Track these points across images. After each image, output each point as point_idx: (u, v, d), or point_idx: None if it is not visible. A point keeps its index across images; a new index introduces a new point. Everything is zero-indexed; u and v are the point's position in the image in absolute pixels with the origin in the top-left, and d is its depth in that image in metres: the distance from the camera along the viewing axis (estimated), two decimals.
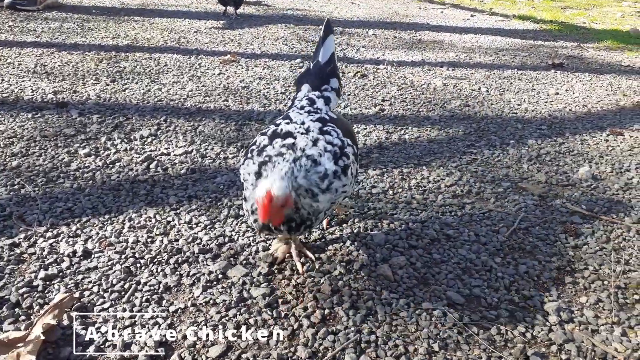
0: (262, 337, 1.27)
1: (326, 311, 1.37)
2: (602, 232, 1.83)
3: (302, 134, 1.37)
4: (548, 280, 1.56)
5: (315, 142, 1.35)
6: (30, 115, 2.58)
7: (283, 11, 6.51)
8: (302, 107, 1.56)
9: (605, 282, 1.56)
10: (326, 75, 1.71)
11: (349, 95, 3.32)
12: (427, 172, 2.23)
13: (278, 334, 1.27)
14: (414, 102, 3.22)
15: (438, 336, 1.31)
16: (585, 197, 2.09)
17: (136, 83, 3.25)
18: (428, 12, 7.43)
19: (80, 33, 4.58)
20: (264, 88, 3.36)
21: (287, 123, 1.44)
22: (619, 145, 2.68)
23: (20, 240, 1.59)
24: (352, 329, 1.31)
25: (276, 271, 1.52)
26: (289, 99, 3.17)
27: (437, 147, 2.52)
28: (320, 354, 1.23)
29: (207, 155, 2.28)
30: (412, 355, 1.24)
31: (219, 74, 3.60)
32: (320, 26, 5.37)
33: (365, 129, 2.73)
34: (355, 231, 1.75)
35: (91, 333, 1.24)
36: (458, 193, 2.06)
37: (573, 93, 3.64)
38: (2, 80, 3.13)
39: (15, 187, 1.90)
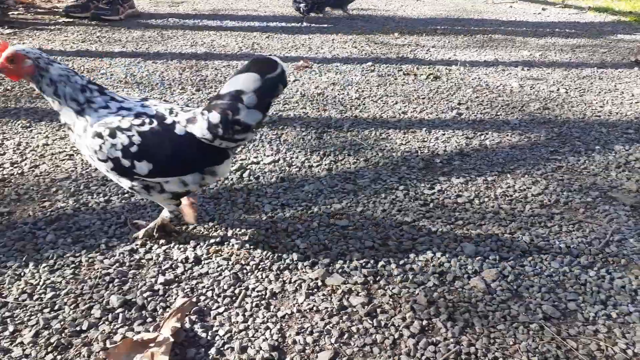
0: (366, 344, 1.35)
1: (424, 322, 1.43)
2: None
3: None
4: None
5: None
6: None
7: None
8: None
9: None
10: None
11: (423, 99, 3.34)
12: (512, 181, 2.24)
13: (382, 342, 1.35)
14: (491, 105, 3.20)
15: (537, 350, 1.34)
16: None
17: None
18: (496, 7, 7.25)
19: (161, 42, 4.85)
20: (338, 94, 3.45)
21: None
22: None
23: (137, 246, 1.75)
24: (452, 340, 1.37)
25: (371, 281, 1.60)
26: (364, 104, 3.24)
27: (519, 154, 2.51)
28: None
29: (293, 163, 2.39)
30: None
31: (294, 81, 3.72)
32: (388, 26, 5.39)
33: (444, 134, 2.75)
34: (444, 243, 1.80)
35: (211, 336, 1.37)
36: (546, 203, 2.06)
37: None
38: None
39: (126, 195, 2.08)
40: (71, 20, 5.63)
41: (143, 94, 3.32)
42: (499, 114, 3.06)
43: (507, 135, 2.74)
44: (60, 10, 5.99)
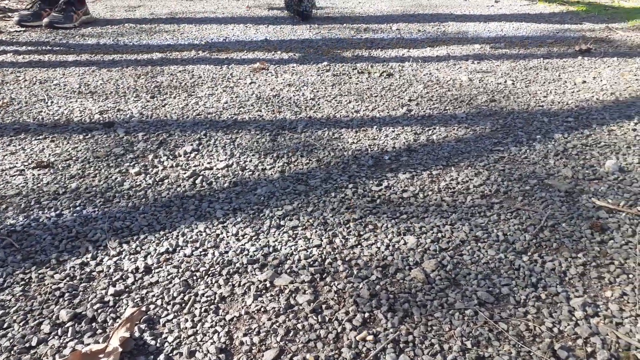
0: (311, 340, 1.41)
1: (366, 315, 1.51)
2: (627, 226, 1.90)
3: None
4: (574, 276, 1.65)
5: None
6: (81, 137, 2.80)
7: None
8: None
9: (630, 276, 1.64)
10: None
11: (375, 97, 3.42)
12: (455, 173, 2.33)
13: (325, 336, 1.42)
14: (441, 100, 3.31)
15: (470, 334, 1.43)
16: (611, 191, 2.16)
17: (174, 98, 3.44)
18: (451, 0, 7.41)
19: (117, 48, 4.81)
20: (293, 95, 3.50)
21: None
22: None
23: (88, 259, 1.78)
24: (391, 330, 1.45)
25: (318, 279, 1.66)
26: (319, 105, 3.30)
27: (464, 147, 2.61)
28: (363, 355, 1.37)
29: (247, 167, 2.44)
30: (447, 353, 1.37)
31: (250, 84, 3.76)
32: (346, 24, 5.46)
33: (394, 131, 2.83)
34: (389, 237, 1.88)
35: (160, 343, 1.41)
36: (486, 193, 2.16)
37: (601, 80, 3.65)
38: (52, 102, 3.37)
39: (78, 208, 2.10)
40: (23, 30, 5.53)
41: (97, 104, 3.31)
42: (447, 108, 3.17)
43: (454, 129, 2.85)
44: (12, 20, 5.87)
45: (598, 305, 1.53)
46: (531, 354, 1.36)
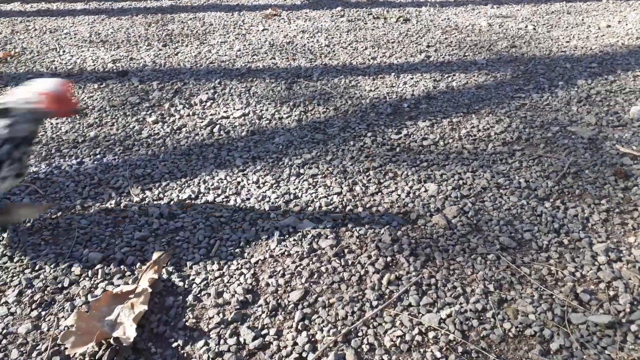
0: (334, 282, 1.44)
1: (388, 259, 1.52)
2: None
3: None
4: (597, 222, 1.65)
5: None
6: (96, 86, 2.78)
7: None
8: None
9: None
10: None
11: (393, 43, 3.34)
12: (476, 121, 2.30)
13: (349, 279, 1.44)
14: (460, 46, 3.22)
15: (493, 278, 1.45)
16: (636, 138, 2.12)
17: (186, 46, 3.38)
18: None
19: None
20: (308, 42, 3.43)
21: None
22: None
23: (112, 205, 1.80)
24: (414, 273, 1.47)
25: (339, 225, 1.68)
26: (334, 52, 3.23)
27: (485, 94, 2.56)
28: (386, 296, 1.39)
29: (263, 116, 2.42)
30: (470, 295, 1.39)
31: (262, 30, 3.67)
32: None
33: (412, 78, 2.78)
34: (409, 185, 1.87)
35: (188, 284, 1.44)
36: (508, 140, 2.13)
37: (626, 24, 3.51)
38: (64, 52, 3.32)
39: (98, 156, 2.10)
40: None
41: (109, 52, 3.27)
42: (466, 54, 3.08)
43: (474, 75, 2.78)
44: None
45: (621, 250, 1.53)
46: (553, 297, 1.38)
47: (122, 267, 1.52)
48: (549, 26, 3.54)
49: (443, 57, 3.05)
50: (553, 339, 1.26)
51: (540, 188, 1.82)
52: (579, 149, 2.05)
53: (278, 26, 3.77)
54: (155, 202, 1.80)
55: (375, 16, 3.90)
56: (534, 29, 3.49)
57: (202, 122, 2.36)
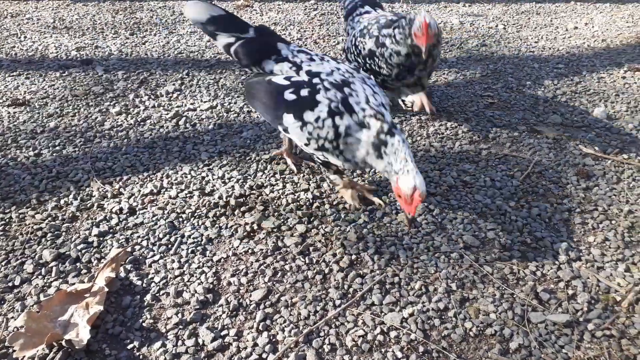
0: (298, 281, 1.42)
1: (353, 257, 1.51)
2: (613, 174, 1.91)
3: None
4: (559, 221, 1.67)
5: None
6: (58, 74, 2.68)
7: None
8: None
9: (613, 222, 1.67)
10: None
11: None
12: (445, 119, 2.30)
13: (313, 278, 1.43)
14: None
15: (455, 276, 1.45)
16: (599, 138, 2.16)
17: (155, 35, 3.30)
18: None
19: None
20: (280, 34, 3.37)
21: None
22: (635, 83, 2.69)
23: (70, 199, 1.74)
24: (378, 272, 1.46)
25: (305, 222, 1.65)
26: (306, 44, 3.19)
27: (454, 92, 2.57)
28: (349, 295, 1.38)
29: (232, 109, 2.37)
30: (432, 294, 1.39)
31: None
32: None
33: None
34: (377, 180, 1.86)
35: (146, 283, 1.40)
36: (475, 139, 2.14)
37: (592, 27, 3.58)
38: (25, 37, 3.20)
39: (57, 148, 2.03)
40: None
41: (73, 40, 3.16)
42: None
43: (444, 73, 2.79)
44: None
45: (581, 250, 1.55)
46: (514, 296, 1.39)
47: (77, 264, 1.47)
48: (519, 26, 3.58)
49: None
50: (513, 338, 1.27)
51: (506, 187, 1.84)
52: (544, 149, 2.07)
53: (250, 17, 3.71)
54: (115, 197, 1.75)
55: None
56: (504, 28, 3.53)
57: (167, 114, 2.30)
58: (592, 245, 1.57)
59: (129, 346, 1.22)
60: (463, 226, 1.65)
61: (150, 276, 1.43)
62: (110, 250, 1.51)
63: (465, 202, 1.76)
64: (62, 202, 1.72)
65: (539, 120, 2.30)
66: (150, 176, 1.86)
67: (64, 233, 1.58)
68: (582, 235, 1.62)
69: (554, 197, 1.79)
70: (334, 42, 3.25)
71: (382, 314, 1.33)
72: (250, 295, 1.37)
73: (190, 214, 1.67)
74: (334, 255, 1.52)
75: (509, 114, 2.35)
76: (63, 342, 1.20)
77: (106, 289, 1.34)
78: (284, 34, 3.37)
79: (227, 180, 1.85)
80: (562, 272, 1.46)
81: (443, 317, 1.33)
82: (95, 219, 1.65)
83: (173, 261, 1.48)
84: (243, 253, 1.52)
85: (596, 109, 2.37)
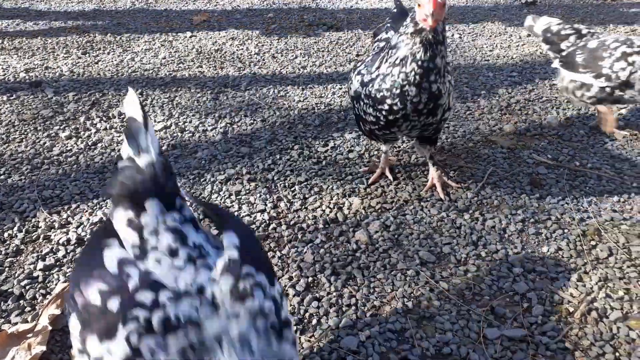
0: None
1: (310, 279, 1.49)
2: (565, 181, 1.95)
3: None
4: (513, 233, 1.69)
5: None
6: (5, 98, 2.58)
7: None
8: None
9: (566, 231, 1.70)
10: None
11: (323, 51, 3.32)
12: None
13: None
14: None
15: (412, 294, 1.44)
16: (551, 146, 2.20)
17: (108, 54, 3.22)
18: None
19: None
20: (237, 49, 3.35)
21: None
22: None
23: (15, 232, 1.66)
24: (334, 294, 1.44)
25: (262, 242, 1.62)
26: (264, 60, 3.17)
27: None
28: (306, 320, 1.36)
29: (186, 129, 2.33)
30: (389, 315, 1.37)
31: (190, 37, 3.56)
32: None
33: (341, 88, 2.77)
34: (334, 199, 1.85)
35: None
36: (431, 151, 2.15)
37: None
38: None
39: (1, 177, 1.94)
40: None
41: (23, 61, 3.05)
42: None
43: None
44: None
45: (535, 261, 1.57)
46: (470, 312, 1.39)
47: (21, 302, 1.40)
48: (474, 35, 3.64)
49: None
50: (469, 356, 1.26)
51: (460, 200, 1.85)
52: (499, 159, 2.10)
53: (207, 33, 3.67)
54: (63, 228, 1.68)
55: (307, 23, 3.88)
56: (460, 37, 3.58)
57: (120, 136, 2.24)
58: (546, 255, 1.59)
59: None
60: (419, 241, 1.64)
61: None
62: (56, 285, 1.44)
63: (421, 216, 1.76)
64: (5, 235, 1.64)
65: (494, 130, 2.33)
66: (100, 203, 1.80)
67: (7, 269, 1.51)
68: (536, 245, 1.64)
69: (508, 207, 1.81)
70: (292, 56, 3.24)
71: (339, 338, 1.30)
72: None
73: None
74: (290, 278, 1.49)
75: (464, 124, 2.38)
76: None
77: (49, 328, 1.28)
78: (242, 49, 3.35)
79: None
80: (517, 285, 1.47)
81: (400, 338, 1.31)
82: (41, 251, 1.58)
83: None
84: None
85: (549, 117, 2.42)
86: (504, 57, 3.24)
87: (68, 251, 1.58)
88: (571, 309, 1.39)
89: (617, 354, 1.26)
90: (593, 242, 1.64)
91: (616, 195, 1.87)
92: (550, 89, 2.77)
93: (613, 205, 1.82)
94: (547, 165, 2.06)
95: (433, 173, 1.88)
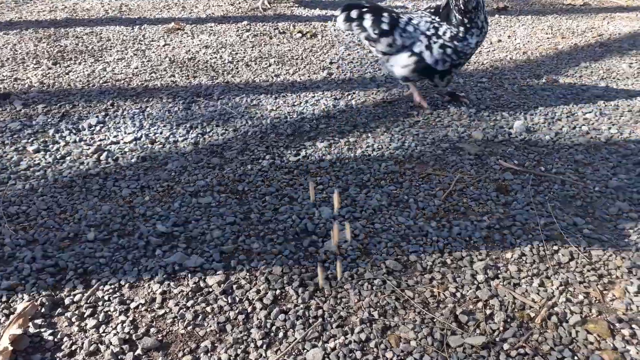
0: (220, 323, 1.39)
1: (277, 292, 1.50)
2: (530, 187, 1.99)
3: None
4: (478, 239, 1.72)
5: None
6: None
7: None
8: None
9: (530, 236, 1.73)
10: None
11: (297, 59, 3.34)
12: (372, 140, 2.34)
13: (235, 319, 1.40)
14: (361, 63, 3.28)
15: (378, 304, 1.46)
16: (518, 152, 2.24)
17: (79, 64, 3.19)
18: None
19: (15, 8, 4.38)
20: (210, 58, 3.35)
21: None
22: (553, 94, 2.82)
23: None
24: (302, 306, 1.45)
25: (230, 257, 1.63)
26: (237, 69, 3.18)
27: (381, 112, 2.62)
28: (272, 334, 1.36)
29: (157, 140, 2.32)
30: (355, 325, 1.39)
31: (164, 46, 3.55)
32: None
33: (314, 97, 2.79)
34: (305, 209, 1.86)
35: (59, 338, 1.34)
36: (400, 159, 2.18)
37: (515, 39, 3.75)
38: None
39: None
40: None
41: None
42: (367, 71, 3.14)
43: (373, 92, 2.84)
44: None
45: (499, 267, 1.60)
46: (434, 320, 1.41)
47: None
48: None
49: (345, 75, 3.09)
50: None
51: (428, 207, 1.87)
52: (466, 165, 2.14)
53: (180, 41, 3.66)
54: (29, 244, 1.66)
55: (281, 31, 3.89)
56: None
57: (89, 149, 2.23)
58: (509, 261, 1.63)
59: None
60: (387, 250, 1.67)
61: (63, 330, 1.36)
62: (18, 304, 1.43)
63: (389, 224, 1.78)
64: None
65: (462, 137, 2.37)
66: (68, 218, 1.79)
67: None
68: (501, 251, 1.67)
69: (475, 214, 1.85)
70: (266, 64, 3.25)
71: (305, 350, 1.32)
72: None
73: (108, 258, 1.61)
74: (258, 291, 1.50)
75: (433, 131, 2.41)
76: None
77: (10, 348, 1.27)
78: (215, 57, 3.35)
79: (148, 218, 1.80)
80: (480, 292, 1.50)
81: (365, 348, 1.33)
82: (6, 270, 1.56)
83: (87, 312, 1.41)
84: (162, 297, 1.48)
85: (516, 122, 2.46)
86: (474, 62, 3.29)
87: (33, 269, 1.56)
88: (532, 314, 1.43)
89: (575, 357, 1.30)
90: (555, 247, 1.68)
91: (579, 200, 1.91)
92: (519, 94, 2.82)
93: (576, 209, 1.87)
94: (514, 171, 2.10)
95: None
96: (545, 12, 4.47)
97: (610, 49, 3.55)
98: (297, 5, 4.63)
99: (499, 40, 3.72)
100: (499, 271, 1.58)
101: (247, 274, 1.57)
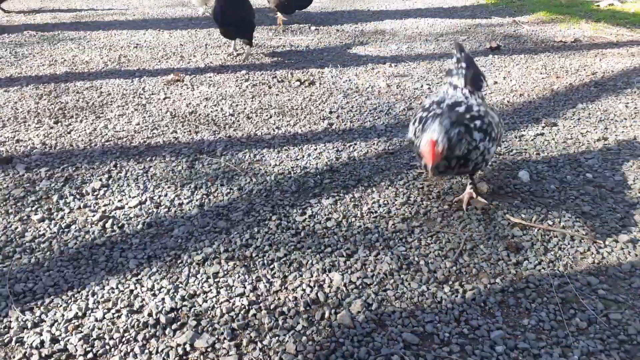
0: None
1: None
2: (540, 244, 1.98)
3: None
4: (493, 305, 1.70)
5: None
6: None
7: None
8: None
9: (545, 299, 1.71)
10: None
11: (296, 109, 3.36)
12: (377, 195, 2.33)
13: None
14: (360, 111, 3.30)
15: None
16: (524, 204, 2.24)
17: (81, 121, 3.20)
18: None
19: (15, 63, 4.43)
20: (211, 111, 3.37)
21: None
22: (553, 139, 2.84)
23: None
24: None
25: (241, 335, 1.60)
26: (238, 122, 3.19)
27: (384, 164, 2.62)
28: None
29: (162, 203, 2.31)
30: None
31: (164, 99, 3.58)
32: (262, 24, 5.35)
33: (316, 149, 2.79)
34: (314, 276, 1.84)
35: None
36: (407, 216, 2.17)
37: (510, 80, 3.80)
38: None
39: None
40: None
41: None
42: (367, 119, 3.17)
43: (374, 143, 2.85)
44: None
45: (517, 335, 1.57)
46: None
47: None
48: (442, 84, 3.73)
49: (345, 124, 3.11)
50: None
51: (439, 269, 1.85)
52: (474, 222, 2.13)
53: (181, 93, 3.69)
54: (36, 327, 1.63)
55: (280, 79, 3.94)
56: (429, 88, 3.67)
57: (93, 215, 2.21)
58: (527, 329, 1.60)
59: None
60: (402, 321, 1.64)
61: None
62: None
63: (402, 291, 1.76)
64: None
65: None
66: (75, 295, 1.76)
67: None
68: (517, 317, 1.65)
69: (487, 276, 1.83)
70: (266, 115, 3.27)
71: None
72: None
73: (118, 339, 1.58)
74: None
75: (438, 184, 2.41)
76: None
77: None
78: (216, 110, 3.37)
79: (157, 292, 1.77)
80: None
81: None
82: (14, 356, 1.52)
83: None
84: None
85: (520, 172, 2.47)
86: None
87: (42, 355, 1.52)
88: None
89: None
90: (572, 311, 1.66)
91: (590, 257, 1.90)
92: (520, 140, 2.84)
93: (588, 267, 1.85)
94: (522, 226, 2.09)
95: (467, 189, 2.26)
96: (538, 51, 4.54)
97: (606, 88, 3.60)
98: (294, 49, 4.69)
99: (495, 82, 3.77)
100: (517, 341, 1.55)
101: (261, 353, 1.53)
